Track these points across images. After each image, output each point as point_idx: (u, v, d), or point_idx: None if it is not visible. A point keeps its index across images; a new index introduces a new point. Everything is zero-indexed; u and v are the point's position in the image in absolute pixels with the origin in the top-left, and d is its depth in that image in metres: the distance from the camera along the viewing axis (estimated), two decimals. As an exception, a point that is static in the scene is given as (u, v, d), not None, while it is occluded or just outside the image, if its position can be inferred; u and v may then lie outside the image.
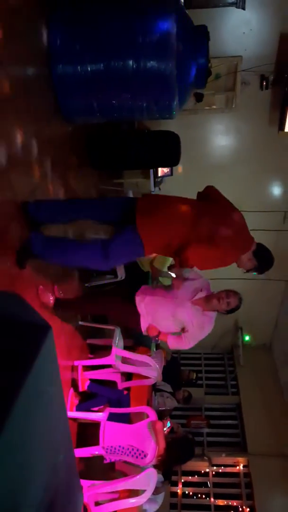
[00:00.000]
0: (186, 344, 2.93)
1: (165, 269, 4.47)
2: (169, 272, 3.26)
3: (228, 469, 6.24)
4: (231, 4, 4.65)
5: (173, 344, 2.99)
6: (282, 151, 5.55)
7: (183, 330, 2.94)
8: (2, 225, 2.16)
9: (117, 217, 2.57)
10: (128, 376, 3.61)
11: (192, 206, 2.52)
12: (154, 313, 2.91)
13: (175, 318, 2.90)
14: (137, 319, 2.93)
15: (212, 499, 5.86)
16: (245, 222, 2.58)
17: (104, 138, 4.28)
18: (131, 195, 4.88)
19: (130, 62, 2.83)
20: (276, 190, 6.02)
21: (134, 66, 2.84)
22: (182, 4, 3.19)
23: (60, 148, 3.20)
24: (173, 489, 5.85)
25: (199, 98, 5.19)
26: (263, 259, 2.62)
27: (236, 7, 4.63)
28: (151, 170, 5.14)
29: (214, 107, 5.50)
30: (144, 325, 2.94)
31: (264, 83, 5.06)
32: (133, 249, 2.48)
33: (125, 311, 2.98)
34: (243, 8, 4.62)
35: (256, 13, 4.77)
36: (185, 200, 2.58)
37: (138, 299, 2.94)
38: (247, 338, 7.56)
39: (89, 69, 2.88)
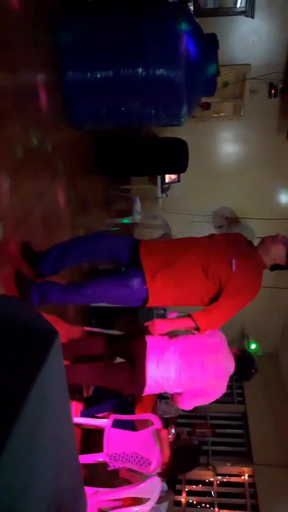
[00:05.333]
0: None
1: None
2: None
3: (233, 479, 6.16)
4: (240, 13, 4.69)
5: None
6: (290, 158, 5.54)
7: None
8: (7, 231, 2.18)
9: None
10: (133, 383, 3.59)
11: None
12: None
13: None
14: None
15: (216, 509, 5.79)
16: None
17: (112, 144, 4.31)
18: (137, 202, 4.88)
19: (140, 70, 2.85)
20: (284, 198, 5.99)
21: (144, 74, 2.86)
22: (192, 12, 3.21)
23: (68, 154, 3.21)
24: (177, 498, 5.79)
25: (207, 107, 5.22)
26: None
27: (245, 16, 4.67)
28: (159, 177, 5.16)
29: (222, 114, 5.52)
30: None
31: (273, 91, 5.07)
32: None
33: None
34: (252, 17, 4.65)
35: (265, 21, 4.79)
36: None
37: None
38: (253, 346, 7.50)
39: (98, 75, 2.90)
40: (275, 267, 2.37)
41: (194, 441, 3.25)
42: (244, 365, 2.71)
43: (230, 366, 2.59)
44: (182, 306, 2.44)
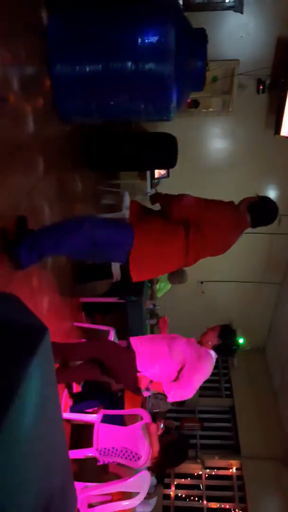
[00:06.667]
0: (185, 383, 2.61)
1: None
2: None
3: (221, 472, 6.24)
4: (229, 8, 4.67)
5: (170, 389, 2.64)
6: (278, 154, 5.57)
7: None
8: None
9: None
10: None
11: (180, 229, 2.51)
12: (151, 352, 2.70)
13: (171, 349, 2.69)
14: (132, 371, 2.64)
15: (205, 502, 5.86)
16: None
17: (101, 139, 4.28)
18: (127, 196, 4.87)
19: (129, 64, 2.83)
20: (272, 193, 6.03)
21: (133, 68, 2.84)
22: (181, 6, 3.19)
23: (57, 148, 3.18)
24: (166, 491, 5.84)
25: (195, 105, 5.22)
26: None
27: (234, 11, 4.65)
28: (148, 172, 5.14)
29: (211, 110, 5.53)
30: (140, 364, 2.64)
31: (261, 87, 5.08)
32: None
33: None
34: (241, 12, 4.65)
35: (253, 17, 4.79)
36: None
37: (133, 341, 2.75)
38: (241, 340, 7.57)
39: (87, 69, 2.87)
40: (255, 223, 2.79)
41: (182, 433, 3.26)
42: (224, 351, 2.86)
43: (212, 360, 2.73)
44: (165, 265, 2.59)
